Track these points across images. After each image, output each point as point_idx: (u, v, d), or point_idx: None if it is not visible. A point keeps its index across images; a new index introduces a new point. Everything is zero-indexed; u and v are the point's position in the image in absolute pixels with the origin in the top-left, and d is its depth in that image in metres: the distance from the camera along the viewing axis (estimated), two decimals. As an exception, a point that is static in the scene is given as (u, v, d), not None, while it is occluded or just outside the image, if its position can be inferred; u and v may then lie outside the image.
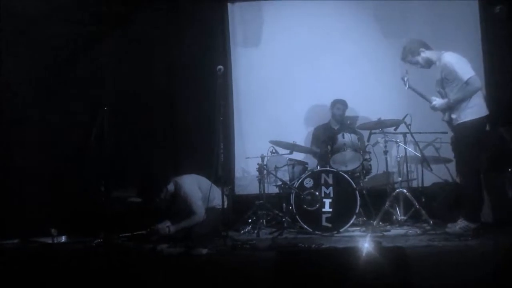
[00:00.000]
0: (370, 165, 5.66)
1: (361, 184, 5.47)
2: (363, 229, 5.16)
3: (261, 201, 5.53)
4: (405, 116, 5.27)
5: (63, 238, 5.11)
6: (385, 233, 4.87)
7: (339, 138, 5.40)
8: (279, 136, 5.78)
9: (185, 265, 3.77)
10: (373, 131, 5.46)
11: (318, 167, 5.47)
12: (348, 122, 6.11)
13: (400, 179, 5.36)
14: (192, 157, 6.20)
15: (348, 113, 6.29)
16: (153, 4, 6.54)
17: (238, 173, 6.64)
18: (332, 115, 6.22)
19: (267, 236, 5.03)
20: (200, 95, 6.41)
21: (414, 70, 4.92)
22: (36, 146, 5.78)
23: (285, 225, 5.26)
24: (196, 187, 5.01)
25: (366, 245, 2.87)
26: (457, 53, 4.68)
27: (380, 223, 5.14)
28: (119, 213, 5.04)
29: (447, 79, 4.59)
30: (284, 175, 5.64)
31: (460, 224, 4.51)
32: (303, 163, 5.77)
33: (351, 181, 5.14)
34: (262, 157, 5.60)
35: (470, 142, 4.53)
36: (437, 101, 4.69)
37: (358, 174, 5.52)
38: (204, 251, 4.03)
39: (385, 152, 5.50)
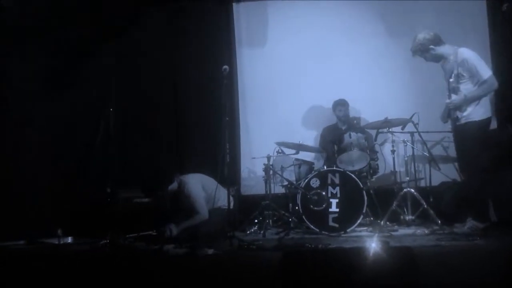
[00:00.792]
0: (377, 164, 5.63)
1: (368, 183, 5.45)
2: (370, 229, 5.13)
3: (267, 202, 5.52)
4: (413, 115, 5.24)
5: (69, 239, 5.14)
6: (392, 233, 4.85)
7: (346, 138, 5.37)
8: (285, 136, 5.76)
9: (191, 266, 3.76)
10: (380, 130, 5.43)
11: (325, 167, 5.45)
12: (355, 122, 6.07)
13: (407, 178, 5.33)
14: (198, 158, 6.21)
15: (354, 113, 6.26)
16: (158, 4, 6.53)
17: (244, 173, 6.63)
18: (336, 117, 6.18)
19: (274, 237, 5.02)
20: (206, 95, 6.41)
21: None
22: (42, 146, 5.80)
23: (292, 225, 5.25)
24: (199, 186, 5.01)
25: (373, 245, 2.84)
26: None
27: (388, 223, 5.12)
28: (125, 214, 5.05)
29: (463, 75, 4.52)
30: (291, 175, 5.62)
31: (468, 224, 4.47)
32: (309, 163, 5.75)
33: (358, 180, 5.11)
34: (268, 157, 5.59)
35: (476, 141, 4.49)
36: (454, 97, 4.58)
37: (365, 173, 5.49)
38: (210, 251, 4.02)
39: (393, 152, 5.47)
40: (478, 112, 4.51)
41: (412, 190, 5.12)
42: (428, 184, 5.69)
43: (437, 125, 5.48)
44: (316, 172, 5.29)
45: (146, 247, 4.53)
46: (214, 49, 6.59)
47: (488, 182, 4.59)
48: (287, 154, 5.72)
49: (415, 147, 5.39)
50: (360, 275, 2.68)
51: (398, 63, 6.35)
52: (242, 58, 6.78)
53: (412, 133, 5.36)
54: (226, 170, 4.68)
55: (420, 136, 5.23)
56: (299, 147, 5.66)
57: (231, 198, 4.87)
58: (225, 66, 4.73)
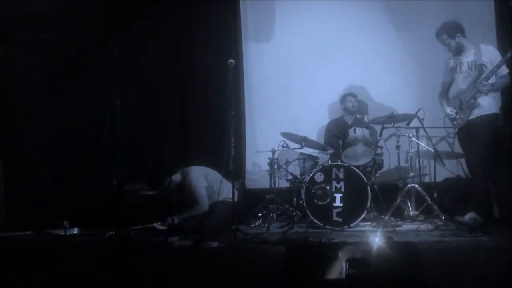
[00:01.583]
0: (382, 159, 5.63)
1: (373, 178, 5.45)
2: (374, 224, 5.14)
3: (271, 195, 5.54)
4: (418, 111, 5.23)
5: (75, 230, 5.17)
6: (396, 228, 4.85)
7: (351, 133, 5.37)
8: (290, 130, 5.76)
9: (196, 258, 3.78)
10: (385, 125, 5.43)
11: (329, 162, 5.46)
12: (360, 116, 6.06)
13: (412, 174, 5.32)
14: (203, 151, 6.23)
15: (360, 106, 6.25)
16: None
17: (249, 167, 6.65)
18: (344, 109, 6.15)
19: (278, 230, 5.04)
20: (212, 88, 6.42)
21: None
22: (49, 139, 5.83)
23: (296, 219, 5.27)
24: (201, 177, 5.05)
25: (377, 240, 2.85)
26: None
27: (392, 218, 5.12)
28: (131, 206, 5.08)
29: (486, 67, 4.61)
30: (295, 169, 5.64)
31: (470, 215, 4.53)
32: (314, 158, 5.76)
33: (363, 175, 5.12)
34: (273, 151, 5.60)
35: (484, 136, 4.53)
36: (487, 83, 4.63)
37: (369, 168, 5.49)
38: (215, 244, 4.04)
39: (397, 147, 5.47)
40: (484, 107, 4.60)
41: (417, 186, 5.12)
42: (432, 180, 5.70)
43: (442, 121, 5.48)
44: (321, 167, 5.30)
45: (151, 239, 4.57)
46: (220, 43, 6.59)
47: (493, 177, 4.62)
48: (292, 148, 5.73)
49: (420, 142, 5.38)
50: (363, 269, 2.69)
51: (404, 59, 6.34)
52: (248, 52, 6.78)
53: (417, 129, 5.35)
54: (231, 163, 4.69)
55: (425, 131, 5.22)
56: (304, 141, 5.66)
57: (236, 192, 4.88)
58: (231, 60, 4.73)
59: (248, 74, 6.76)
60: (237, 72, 6.39)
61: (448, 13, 6.18)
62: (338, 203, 5.09)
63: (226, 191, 4.99)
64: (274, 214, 5.60)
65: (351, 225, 5.00)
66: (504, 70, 4.61)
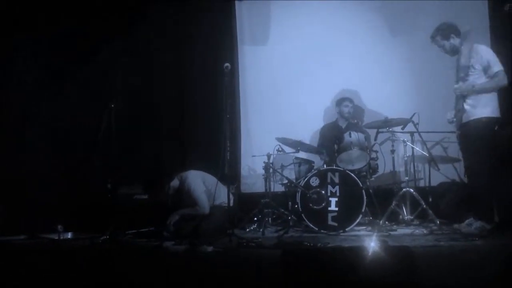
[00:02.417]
0: (377, 164, 5.64)
1: (368, 183, 5.46)
2: (369, 228, 5.14)
3: (267, 200, 5.53)
4: (413, 115, 5.24)
5: (70, 235, 5.15)
6: (391, 233, 4.85)
7: (346, 137, 5.37)
8: (285, 134, 5.76)
9: (191, 263, 3.77)
10: (380, 130, 5.44)
11: (325, 166, 5.46)
12: (355, 121, 6.08)
13: (407, 178, 5.34)
14: (199, 155, 6.21)
15: (355, 111, 6.27)
16: (161, 1, 6.53)
17: (244, 171, 6.64)
18: (339, 113, 6.16)
19: (273, 235, 5.03)
20: (207, 92, 6.41)
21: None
22: (43, 142, 5.81)
23: (291, 223, 5.26)
24: (200, 181, 5.04)
25: (372, 244, 2.85)
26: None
27: (387, 222, 5.12)
28: (126, 210, 5.06)
29: (474, 67, 4.55)
30: (290, 173, 5.64)
31: (475, 224, 4.45)
32: (309, 162, 5.76)
33: (358, 180, 5.12)
34: (269, 156, 5.61)
35: (481, 141, 4.50)
36: (461, 83, 4.60)
37: (364, 173, 5.50)
38: (210, 248, 4.03)
39: (392, 151, 5.48)
40: (481, 110, 4.52)
41: (411, 190, 5.13)
42: (427, 184, 5.71)
43: (437, 125, 5.50)
44: (316, 171, 5.30)
45: (146, 243, 4.55)
46: (216, 47, 6.58)
47: (493, 182, 4.59)
48: (287, 153, 5.73)
49: (414, 147, 5.39)
50: (358, 274, 2.69)
51: (399, 63, 6.37)
52: (244, 56, 6.78)
53: (412, 133, 5.36)
54: (227, 167, 4.69)
55: (420, 136, 5.24)
56: (299, 145, 5.66)
57: (231, 196, 4.89)
58: (227, 64, 4.73)
59: (243, 78, 6.75)
60: (233, 76, 6.38)
61: (443, 18, 6.22)
62: (333, 207, 5.08)
63: (222, 195, 4.98)
64: (270, 219, 5.60)
65: (346, 229, 4.99)
66: (496, 68, 4.49)
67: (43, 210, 5.46)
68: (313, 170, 5.44)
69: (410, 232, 4.83)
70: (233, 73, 6.42)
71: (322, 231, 5.00)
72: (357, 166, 5.40)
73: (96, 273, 3.50)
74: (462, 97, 4.60)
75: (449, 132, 5.49)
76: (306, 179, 5.23)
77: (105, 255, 4.18)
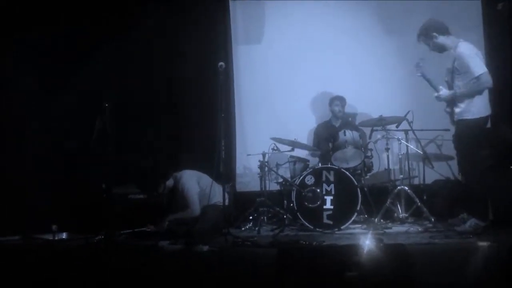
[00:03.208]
0: (372, 162, 5.66)
1: (363, 181, 5.47)
2: (364, 226, 5.16)
3: (262, 198, 5.54)
4: (407, 113, 5.27)
5: (64, 235, 5.13)
6: (386, 231, 4.87)
7: (340, 135, 5.39)
8: (280, 133, 5.77)
9: (186, 262, 3.77)
10: (374, 128, 5.45)
11: (320, 164, 5.47)
12: (350, 119, 6.09)
13: (401, 176, 5.36)
14: (194, 154, 6.20)
15: (349, 110, 6.29)
16: (155, 1, 6.52)
17: (239, 170, 6.63)
18: (331, 112, 6.18)
19: (268, 233, 5.04)
20: (201, 91, 6.40)
21: (429, 58, 4.87)
22: (38, 142, 5.79)
23: (286, 222, 5.27)
24: (194, 181, 5.04)
25: (367, 242, 2.87)
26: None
27: (382, 220, 5.15)
28: (120, 210, 5.05)
29: (457, 69, 4.50)
30: (286, 172, 5.64)
31: (470, 222, 4.46)
32: (304, 160, 5.77)
33: (353, 178, 5.13)
34: (264, 154, 5.61)
35: (474, 140, 4.49)
36: (443, 91, 4.58)
37: (359, 171, 5.52)
38: (205, 248, 4.03)
39: (387, 149, 5.49)
40: (472, 110, 4.47)
41: (406, 188, 5.15)
42: (421, 182, 5.73)
43: (431, 123, 5.53)
44: (311, 169, 5.31)
45: (141, 243, 4.54)
46: (210, 46, 6.57)
47: (486, 180, 4.59)
48: (282, 151, 5.74)
49: (409, 145, 5.41)
50: (353, 272, 2.70)
51: (393, 61, 6.39)
52: (238, 55, 6.77)
53: (406, 131, 5.38)
54: (222, 166, 4.69)
55: (414, 134, 5.26)
56: (293, 144, 5.68)
57: (226, 195, 4.88)
58: (221, 63, 4.72)
59: (237, 77, 6.75)
60: (227, 75, 6.38)
61: (436, 16, 6.23)
62: (328, 205, 5.09)
63: (217, 194, 4.97)
64: (265, 217, 5.61)
65: (342, 227, 5.00)
66: (479, 70, 4.37)
67: (37, 210, 5.44)
68: (308, 169, 5.45)
69: (405, 230, 4.84)
70: (228, 72, 6.42)
71: (317, 229, 5.01)
72: (352, 164, 5.41)
73: (92, 273, 3.49)
74: (451, 99, 4.58)
75: (443, 130, 5.53)
76: (301, 177, 5.24)
77: (100, 255, 4.17)
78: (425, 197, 5.33)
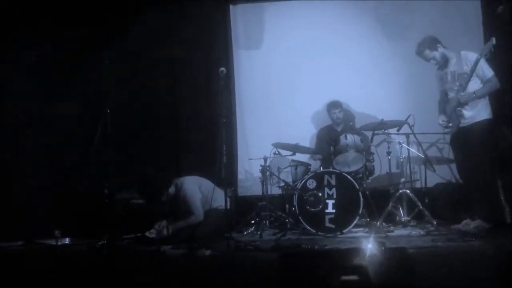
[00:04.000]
0: (373, 166, 5.66)
1: (364, 185, 5.47)
2: (366, 230, 5.15)
3: (264, 203, 5.54)
4: (408, 117, 5.27)
5: (67, 240, 5.14)
6: (388, 234, 4.87)
7: (342, 139, 5.39)
8: (281, 137, 5.78)
9: (188, 266, 3.77)
10: (376, 132, 5.46)
11: (321, 168, 5.47)
12: (351, 123, 6.10)
13: (403, 179, 5.35)
14: (195, 159, 6.22)
15: (350, 114, 6.28)
16: (156, 5, 6.54)
17: (241, 174, 6.65)
18: (331, 119, 6.19)
19: (270, 237, 5.04)
20: (203, 97, 6.42)
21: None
22: (40, 147, 5.81)
23: (288, 226, 5.28)
24: (196, 188, 5.04)
25: (369, 246, 2.86)
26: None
27: (384, 224, 5.14)
28: (123, 215, 5.06)
29: (467, 74, 4.62)
30: (287, 176, 5.65)
31: (474, 224, 4.50)
32: (306, 164, 5.78)
33: (354, 182, 5.13)
34: (265, 159, 5.61)
35: (482, 142, 4.58)
36: (465, 93, 4.65)
37: (361, 175, 5.52)
38: (207, 252, 4.04)
39: (388, 153, 5.49)
40: (483, 113, 4.64)
41: (408, 191, 5.15)
42: (423, 185, 5.72)
43: (432, 127, 5.53)
44: (313, 174, 5.31)
45: (144, 248, 4.55)
46: (211, 51, 6.60)
47: (490, 183, 4.64)
48: (284, 156, 5.74)
49: (410, 148, 5.42)
50: (356, 276, 2.70)
51: (394, 65, 6.40)
52: (239, 60, 6.79)
53: (407, 135, 5.39)
54: (223, 171, 4.70)
55: (415, 137, 5.26)
56: (295, 148, 5.69)
57: (228, 199, 4.88)
58: (222, 68, 4.75)
59: (238, 82, 6.77)
60: (228, 80, 6.40)
61: (436, 20, 6.27)
62: (330, 209, 5.10)
63: (219, 199, 4.98)
64: (267, 221, 5.61)
65: (344, 231, 5.00)
66: (489, 73, 4.63)
67: (40, 215, 5.45)
68: (310, 173, 5.45)
69: (407, 233, 4.85)
70: (229, 77, 6.44)
71: (319, 233, 5.01)
72: (353, 168, 5.42)
73: (94, 278, 3.49)
74: (460, 103, 4.66)
75: (444, 133, 5.52)
76: (303, 181, 5.24)
77: (103, 260, 4.18)
78: (427, 200, 5.33)
